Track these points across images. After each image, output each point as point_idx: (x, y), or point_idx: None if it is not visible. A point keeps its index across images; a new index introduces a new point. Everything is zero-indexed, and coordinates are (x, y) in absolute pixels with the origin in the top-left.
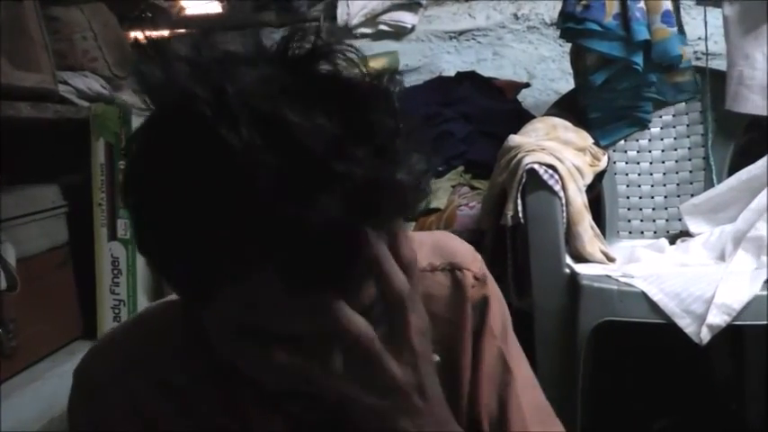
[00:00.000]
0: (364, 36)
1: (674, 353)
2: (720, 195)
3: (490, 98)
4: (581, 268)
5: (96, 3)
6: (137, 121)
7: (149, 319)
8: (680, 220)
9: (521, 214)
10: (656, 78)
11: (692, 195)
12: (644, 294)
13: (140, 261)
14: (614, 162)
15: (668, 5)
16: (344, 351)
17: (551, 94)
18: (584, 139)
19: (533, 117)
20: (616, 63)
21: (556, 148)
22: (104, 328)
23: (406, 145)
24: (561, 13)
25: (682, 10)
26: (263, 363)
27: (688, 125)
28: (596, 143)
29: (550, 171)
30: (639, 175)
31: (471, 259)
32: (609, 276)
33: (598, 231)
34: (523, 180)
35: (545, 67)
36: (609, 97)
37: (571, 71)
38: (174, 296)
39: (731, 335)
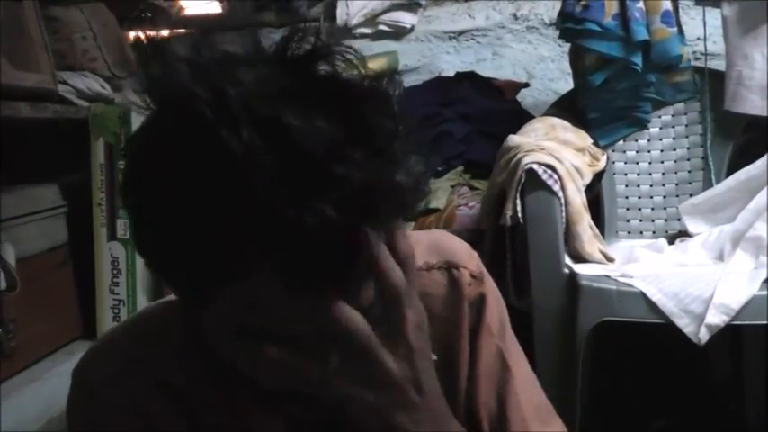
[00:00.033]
0: (364, 36)
1: (672, 353)
2: (719, 195)
3: (489, 98)
4: (580, 268)
5: (96, 3)
6: (136, 121)
7: (148, 319)
8: (679, 220)
9: (520, 214)
10: (655, 78)
11: (691, 195)
12: (643, 294)
13: (140, 261)
14: (613, 162)
15: (668, 5)
16: (341, 348)
17: (550, 95)
18: (584, 139)
19: (533, 117)
20: (615, 63)
21: (555, 149)
22: (104, 327)
23: (404, 146)
24: (560, 14)
25: (680, 10)
26: (262, 363)
27: (687, 125)
28: (595, 143)
29: (549, 171)
30: (638, 175)
31: (468, 257)
32: (608, 276)
33: (597, 231)
34: (522, 180)
35: (544, 68)
36: (608, 97)
37: (570, 71)
38: (173, 296)
39: (730, 335)
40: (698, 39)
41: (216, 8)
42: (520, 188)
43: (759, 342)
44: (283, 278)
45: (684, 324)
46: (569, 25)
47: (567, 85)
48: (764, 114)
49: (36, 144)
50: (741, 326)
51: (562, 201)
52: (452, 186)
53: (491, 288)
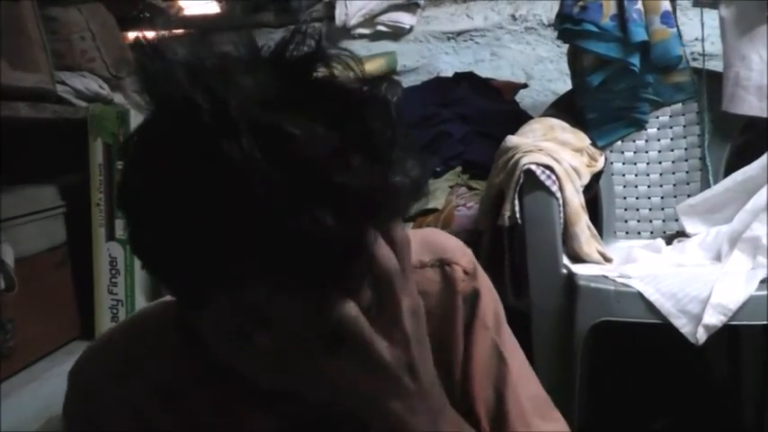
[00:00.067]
0: (362, 36)
1: (670, 353)
2: (717, 196)
3: (488, 99)
4: (578, 269)
5: (94, 3)
6: (135, 122)
7: (145, 319)
8: (676, 220)
9: (518, 215)
10: (653, 79)
11: (689, 196)
12: (640, 295)
13: (138, 261)
14: (611, 163)
15: (667, 6)
16: (337, 339)
17: (549, 95)
18: (582, 139)
19: (531, 118)
20: (613, 64)
21: (553, 149)
22: (102, 328)
23: (403, 150)
24: (558, 15)
25: (678, 11)
26: (259, 363)
27: (685, 126)
28: (593, 144)
29: (548, 172)
30: (636, 175)
31: (460, 254)
32: (606, 277)
33: (595, 232)
34: (521, 181)
35: (543, 68)
36: (606, 98)
37: (569, 72)
38: (170, 296)
39: (727, 335)
40: (696, 39)
41: (214, 8)
42: (518, 189)
43: (756, 342)
44: (282, 281)
45: (682, 324)
46: (567, 26)
47: (565, 85)
48: (762, 115)
49: (35, 144)
50: (738, 326)
51: (560, 201)
52: (451, 187)
53: (485, 283)
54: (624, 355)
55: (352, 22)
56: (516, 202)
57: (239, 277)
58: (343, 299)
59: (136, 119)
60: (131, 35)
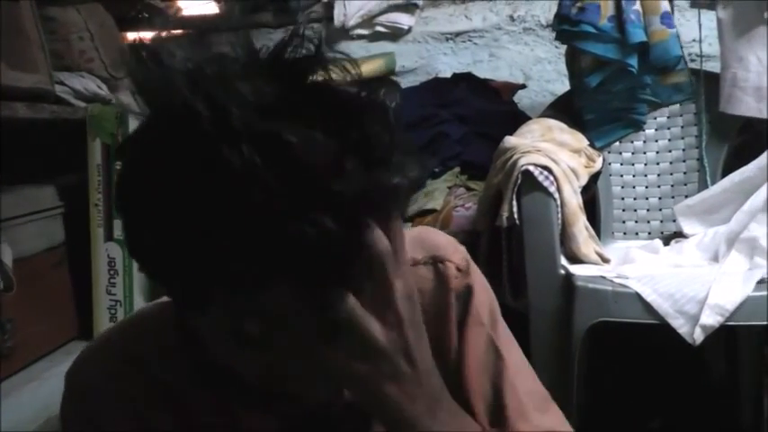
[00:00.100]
0: (361, 37)
1: (668, 353)
2: (714, 197)
3: (486, 99)
4: (576, 269)
5: (93, 3)
6: (133, 122)
7: (143, 320)
8: (674, 221)
9: (516, 215)
10: (651, 80)
11: (687, 196)
12: (638, 295)
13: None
14: (609, 163)
15: (667, 6)
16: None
17: (547, 96)
18: (580, 140)
19: (529, 118)
20: (611, 65)
21: (551, 150)
22: (100, 328)
23: (401, 151)
24: (556, 16)
25: (676, 12)
26: (259, 363)
27: (682, 127)
28: (591, 144)
29: (546, 172)
30: (634, 176)
31: (453, 250)
32: (603, 277)
33: (593, 232)
34: (519, 181)
35: (541, 69)
36: (604, 99)
37: (567, 73)
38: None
39: (725, 335)
40: (693, 41)
41: (213, 9)
42: (516, 189)
43: (754, 342)
44: (283, 282)
45: (679, 325)
46: (565, 27)
47: (563, 86)
48: (759, 116)
49: (33, 144)
50: (736, 326)
51: (558, 202)
52: (449, 187)
53: (478, 279)
54: (622, 356)
55: (351, 22)
56: (514, 202)
57: (239, 279)
58: (342, 291)
59: (134, 120)
60: (130, 35)
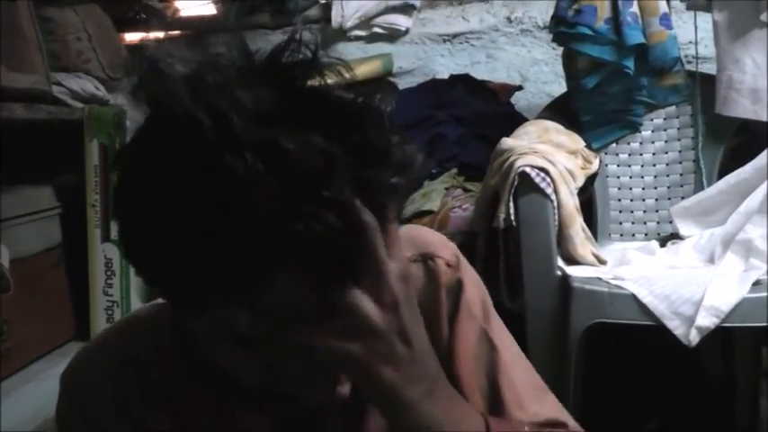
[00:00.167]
0: (358, 38)
1: (665, 354)
2: (710, 198)
3: (483, 101)
4: (572, 270)
5: (90, 4)
6: (131, 123)
7: (140, 320)
8: (670, 222)
9: (513, 217)
10: (648, 82)
11: (683, 198)
12: (634, 296)
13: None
14: (606, 165)
15: (665, 8)
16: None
17: (544, 97)
18: (576, 142)
19: (526, 120)
20: (607, 67)
21: (548, 151)
22: (97, 329)
23: (398, 153)
24: (553, 17)
25: (673, 14)
26: (256, 363)
27: (679, 128)
28: (588, 146)
29: (542, 174)
30: (631, 177)
31: (442, 247)
32: (600, 279)
33: (589, 234)
34: (516, 183)
35: (538, 70)
36: (600, 100)
37: (564, 74)
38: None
39: (721, 336)
40: (690, 42)
41: (210, 10)
42: (513, 191)
43: (749, 343)
44: (285, 281)
45: (675, 326)
46: (562, 29)
47: (560, 87)
48: (755, 118)
49: (30, 145)
50: (731, 328)
51: (555, 203)
52: (446, 188)
53: (469, 274)
54: (619, 356)
55: (349, 23)
56: (511, 204)
57: (241, 280)
58: (340, 279)
59: (132, 120)
60: (128, 36)
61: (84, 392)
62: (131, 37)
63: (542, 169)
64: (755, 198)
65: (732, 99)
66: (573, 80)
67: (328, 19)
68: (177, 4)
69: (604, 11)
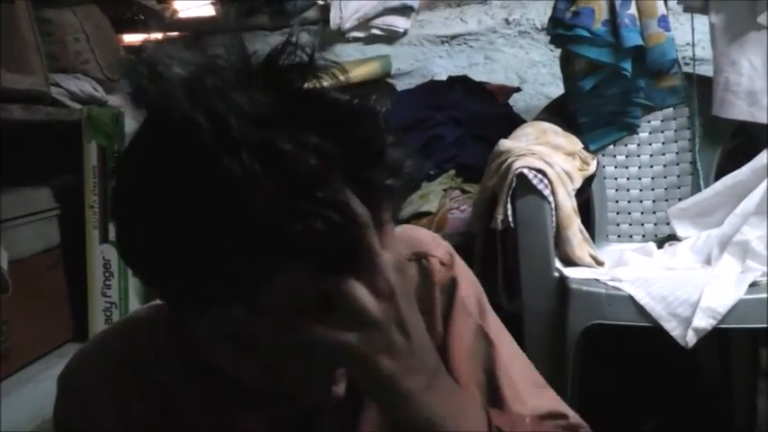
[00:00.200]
0: (357, 40)
1: (662, 355)
2: (707, 200)
3: (481, 102)
4: (570, 272)
5: (89, 5)
6: (129, 124)
7: (138, 321)
8: (668, 224)
9: (510, 218)
10: (645, 84)
11: (680, 200)
12: (631, 298)
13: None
14: (603, 166)
15: (664, 10)
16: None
17: (542, 99)
18: (574, 143)
19: (524, 121)
20: (605, 69)
21: (546, 153)
22: (96, 330)
23: (395, 153)
24: (551, 19)
25: (670, 16)
26: (255, 362)
27: (676, 130)
28: (586, 148)
29: (540, 176)
30: (628, 179)
31: (436, 245)
32: (597, 280)
33: (587, 235)
34: (513, 184)
35: (536, 72)
36: (598, 102)
37: (561, 76)
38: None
39: (717, 337)
40: (687, 44)
41: (209, 11)
42: (511, 192)
43: (746, 344)
44: (284, 279)
45: (672, 327)
46: (560, 31)
47: (558, 89)
48: (751, 120)
49: (29, 146)
50: (728, 329)
51: (552, 205)
52: (444, 190)
53: (463, 271)
54: (616, 358)
55: (347, 25)
56: (509, 205)
57: (241, 279)
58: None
59: (130, 122)
60: (126, 37)
61: (82, 393)
62: (130, 38)
63: (540, 171)
64: (752, 200)
65: (729, 101)
66: (570, 82)
67: (327, 20)
68: (175, 6)
69: (602, 13)
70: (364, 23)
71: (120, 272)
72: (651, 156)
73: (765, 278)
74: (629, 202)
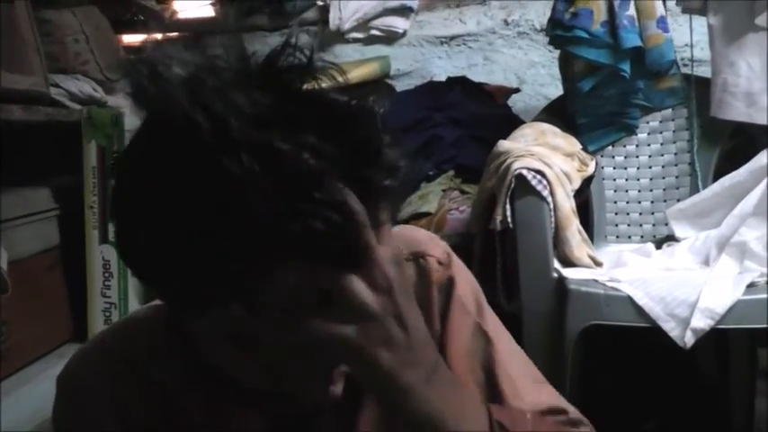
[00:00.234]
0: (356, 41)
1: (661, 355)
2: (705, 201)
3: (480, 103)
4: (569, 272)
5: (88, 6)
6: (129, 125)
7: (137, 322)
8: (666, 224)
9: (509, 219)
10: (643, 85)
11: (678, 200)
12: (630, 299)
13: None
14: (602, 167)
15: (662, 11)
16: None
17: (541, 99)
18: (573, 144)
19: (523, 122)
20: (603, 70)
21: (544, 154)
22: (95, 331)
23: (392, 154)
24: (550, 20)
25: (669, 17)
26: (253, 361)
27: (674, 131)
28: (584, 149)
29: (539, 176)
30: (627, 180)
31: (433, 245)
32: (596, 281)
33: (586, 236)
34: (512, 185)
35: (535, 73)
36: (597, 103)
37: (560, 77)
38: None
39: (716, 337)
40: (685, 45)
41: (208, 12)
42: (509, 193)
43: (744, 345)
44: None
45: (670, 328)
46: (558, 32)
47: (557, 90)
48: (749, 121)
49: (28, 147)
50: (726, 329)
51: (551, 206)
52: (444, 190)
53: (460, 270)
54: (615, 358)
55: (346, 26)
56: (508, 206)
57: (241, 278)
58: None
59: (129, 122)
60: (126, 38)
61: (81, 394)
62: (129, 39)
63: (539, 172)
64: (750, 201)
65: (727, 102)
66: (569, 83)
67: (326, 21)
68: (175, 6)
69: (601, 14)
70: (363, 24)
71: (120, 272)
72: (650, 157)
73: (763, 279)
74: (627, 202)
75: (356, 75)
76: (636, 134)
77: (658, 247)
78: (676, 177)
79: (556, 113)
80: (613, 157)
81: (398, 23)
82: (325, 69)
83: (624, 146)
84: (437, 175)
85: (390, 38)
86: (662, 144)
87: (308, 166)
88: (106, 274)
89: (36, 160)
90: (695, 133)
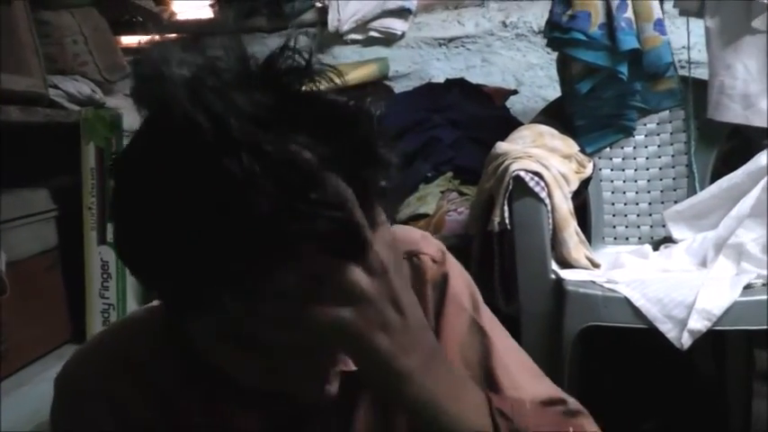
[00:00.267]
0: (355, 42)
1: (658, 356)
2: (703, 202)
3: (479, 105)
4: (566, 274)
5: (87, 7)
6: (127, 126)
7: (135, 322)
8: (663, 226)
9: (507, 220)
10: (641, 87)
11: (676, 202)
12: (627, 300)
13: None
14: (600, 169)
15: (660, 14)
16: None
17: (539, 101)
18: (571, 146)
19: (521, 124)
20: (601, 72)
21: (542, 156)
22: (93, 332)
23: (390, 155)
24: (548, 23)
25: (666, 20)
26: (252, 360)
27: (671, 133)
28: (582, 150)
29: (537, 178)
30: (624, 181)
31: (427, 244)
32: (593, 282)
33: (583, 237)
34: (510, 187)
35: (533, 75)
36: (594, 105)
37: (558, 78)
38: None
39: (713, 338)
40: (683, 47)
41: (207, 13)
42: (507, 195)
43: (741, 346)
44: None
45: (667, 329)
46: (556, 34)
47: (555, 92)
48: (746, 123)
49: (27, 148)
50: (723, 331)
51: (549, 207)
52: (442, 192)
53: (454, 267)
54: (613, 359)
55: (345, 27)
56: (506, 207)
57: (241, 278)
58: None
59: (128, 123)
60: (124, 39)
61: (79, 394)
62: (128, 40)
63: (536, 173)
64: (747, 202)
65: (724, 104)
66: (567, 85)
67: (325, 23)
68: (174, 8)
69: (598, 16)
70: (362, 26)
71: (118, 273)
72: (647, 158)
73: (760, 280)
74: (625, 204)
75: (355, 76)
76: (633, 136)
77: (656, 248)
78: (673, 179)
79: (554, 115)
80: (611, 158)
81: (397, 25)
82: (323, 71)
83: (622, 147)
84: (435, 176)
85: (389, 39)
86: (659, 146)
87: (307, 165)
88: (105, 275)
89: (34, 161)
90: (692, 135)
